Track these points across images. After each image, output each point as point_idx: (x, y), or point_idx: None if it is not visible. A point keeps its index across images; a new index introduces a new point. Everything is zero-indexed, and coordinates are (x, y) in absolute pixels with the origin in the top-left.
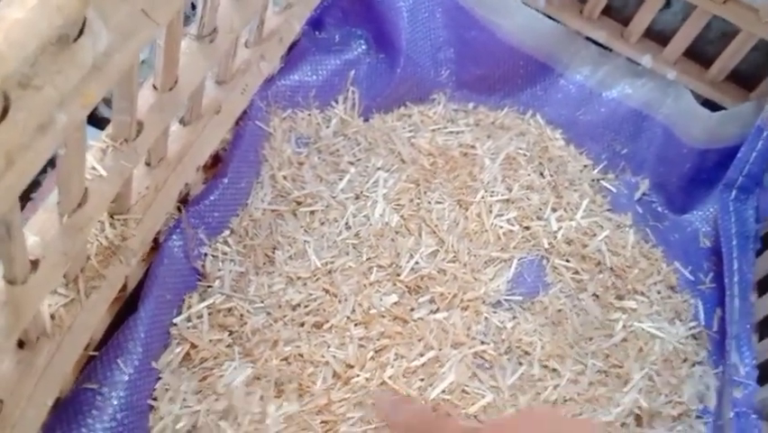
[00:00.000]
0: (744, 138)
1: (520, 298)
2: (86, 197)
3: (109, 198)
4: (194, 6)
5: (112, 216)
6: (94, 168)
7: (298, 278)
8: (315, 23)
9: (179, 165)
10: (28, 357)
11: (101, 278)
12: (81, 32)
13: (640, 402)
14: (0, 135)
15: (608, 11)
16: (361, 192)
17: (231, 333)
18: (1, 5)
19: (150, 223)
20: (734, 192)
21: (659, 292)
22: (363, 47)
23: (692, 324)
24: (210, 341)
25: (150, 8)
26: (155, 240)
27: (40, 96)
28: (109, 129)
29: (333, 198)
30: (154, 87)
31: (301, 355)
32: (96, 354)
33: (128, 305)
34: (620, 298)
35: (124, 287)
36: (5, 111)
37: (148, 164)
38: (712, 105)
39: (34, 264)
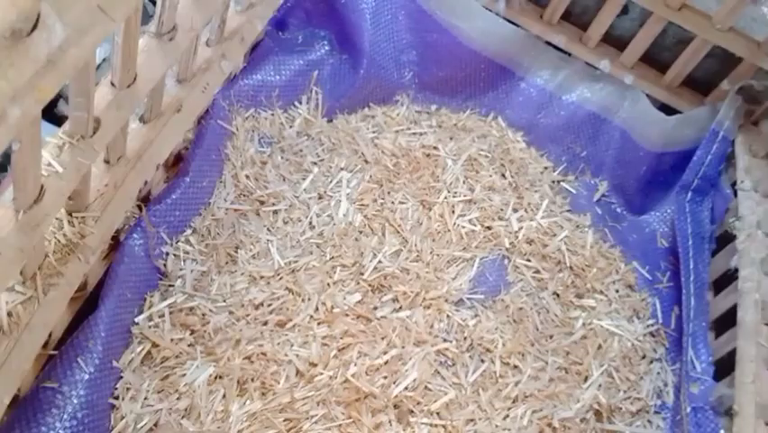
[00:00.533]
0: (699, 141)
1: (482, 296)
2: (42, 193)
3: (66, 194)
4: (153, 3)
5: (70, 214)
6: (50, 164)
7: (261, 277)
8: (279, 24)
9: (139, 163)
10: None
11: (59, 275)
12: (35, 26)
13: (599, 398)
14: None
15: (567, 16)
16: (325, 192)
17: (193, 332)
18: None
19: (109, 221)
20: (689, 194)
21: (617, 291)
22: (327, 48)
23: (650, 322)
24: (172, 340)
25: (106, 5)
26: (115, 238)
27: None
28: (66, 125)
29: (297, 197)
30: (112, 84)
31: (264, 354)
32: (55, 352)
33: (88, 303)
34: (580, 296)
35: (84, 285)
36: None
37: (107, 162)
38: (668, 110)
39: None
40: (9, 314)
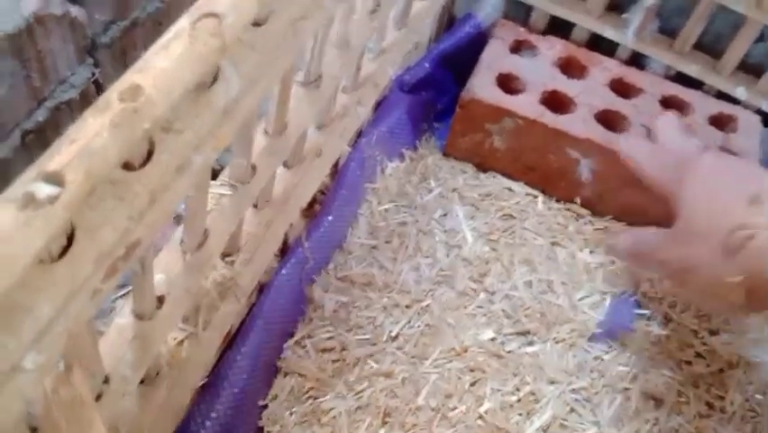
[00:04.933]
0: None
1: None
2: (205, 236)
3: (226, 237)
4: None
5: (224, 256)
6: (213, 209)
7: (396, 306)
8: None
9: (284, 206)
10: (148, 392)
11: (215, 314)
12: (215, 78)
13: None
14: (145, 177)
15: (699, 45)
16: (452, 227)
17: (334, 362)
18: (149, 54)
19: (258, 262)
20: None
21: (756, 320)
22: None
23: None
24: (315, 370)
25: (272, 57)
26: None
27: (180, 139)
28: (226, 172)
29: (422, 231)
30: (265, 132)
31: (403, 386)
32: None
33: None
34: (713, 333)
35: (231, 325)
36: (150, 154)
37: (255, 206)
38: None
39: (160, 300)
40: (170, 352)
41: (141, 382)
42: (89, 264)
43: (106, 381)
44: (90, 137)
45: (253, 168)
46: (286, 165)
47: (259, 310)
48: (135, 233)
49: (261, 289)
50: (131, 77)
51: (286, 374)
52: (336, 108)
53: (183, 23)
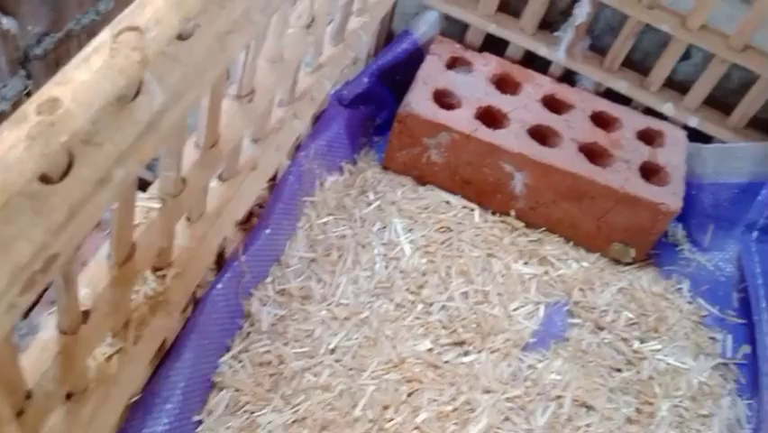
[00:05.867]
0: (754, 175)
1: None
2: (133, 250)
3: (155, 251)
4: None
5: (155, 270)
6: (141, 222)
7: (334, 319)
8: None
9: (218, 220)
10: (75, 409)
11: (145, 329)
12: (138, 92)
13: None
14: (63, 190)
15: (628, 62)
16: (390, 239)
17: (271, 376)
18: (68, 68)
19: (191, 276)
20: (756, 233)
21: (683, 328)
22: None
23: (718, 359)
24: (251, 384)
25: (199, 70)
26: (192, 293)
27: (101, 152)
28: (155, 185)
29: (362, 245)
30: (196, 145)
31: (341, 398)
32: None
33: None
34: (643, 341)
35: (164, 340)
36: (69, 167)
37: (188, 219)
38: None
39: (85, 315)
40: (98, 368)
41: (68, 398)
42: (4, 278)
43: (29, 396)
44: (5, 150)
45: (184, 181)
46: (220, 178)
47: (193, 325)
48: (53, 246)
49: (197, 303)
50: (49, 90)
51: (221, 389)
52: (272, 122)
53: (104, 36)
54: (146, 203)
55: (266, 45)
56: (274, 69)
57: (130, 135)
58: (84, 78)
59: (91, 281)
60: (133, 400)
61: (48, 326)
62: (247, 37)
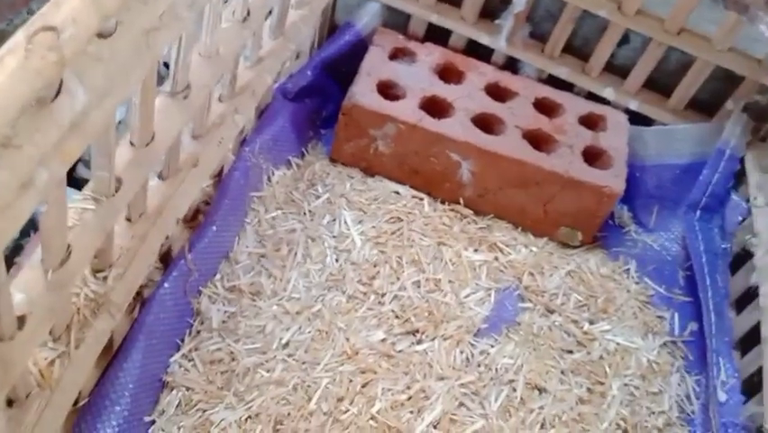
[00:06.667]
0: (696, 156)
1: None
2: (68, 253)
3: (92, 253)
4: (167, 65)
5: (95, 272)
6: (75, 224)
7: (286, 313)
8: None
9: (159, 219)
10: (17, 415)
11: (88, 331)
12: (58, 92)
13: (624, 415)
14: None
15: (568, 48)
16: (341, 231)
17: (223, 373)
18: None
19: (133, 276)
20: (698, 213)
21: (631, 308)
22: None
23: (666, 337)
24: (203, 383)
25: (124, 69)
26: (138, 293)
27: (20, 154)
28: (89, 186)
29: (312, 239)
30: (131, 144)
31: (294, 393)
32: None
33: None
34: (592, 322)
35: (110, 342)
36: None
37: (128, 219)
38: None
39: (21, 320)
40: (41, 373)
41: (9, 404)
42: None
43: None
44: None
45: (119, 180)
46: (160, 176)
47: (141, 325)
48: None
49: (144, 303)
50: None
51: (172, 388)
52: (212, 117)
53: (19, 37)
54: (80, 204)
55: (200, 41)
56: (209, 64)
57: (52, 136)
58: None
59: (26, 286)
60: (82, 403)
61: None
62: (175, 33)
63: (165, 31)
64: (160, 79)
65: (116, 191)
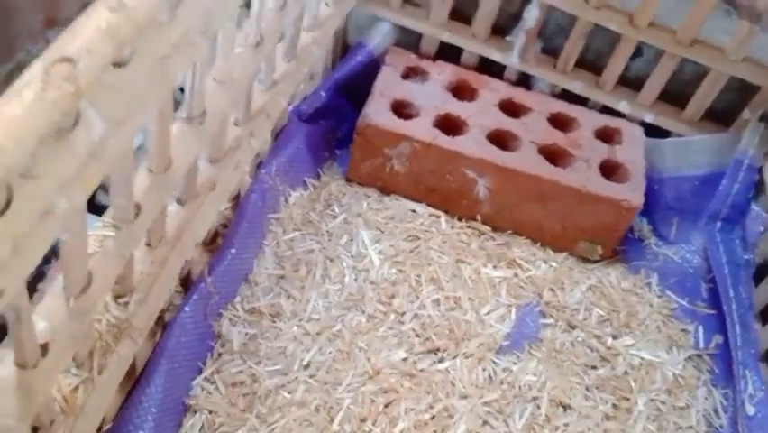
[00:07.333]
0: (715, 167)
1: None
2: (90, 280)
3: (112, 279)
4: (182, 90)
5: (116, 298)
6: (96, 251)
7: (306, 334)
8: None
9: (179, 243)
10: None
11: (110, 357)
12: (76, 122)
13: (651, 431)
14: (4, 225)
15: (581, 63)
16: (359, 251)
17: (245, 396)
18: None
19: (154, 301)
20: (719, 224)
21: (654, 322)
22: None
23: (691, 351)
24: (226, 405)
25: (140, 97)
26: (159, 318)
27: (40, 184)
28: (108, 212)
29: (330, 259)
30: (149, 170)
31: (317, 414)
32: (106, 431)
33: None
34: (615, 337)
35: (133, 367)
36: (8, 202)
37: (148, 245)
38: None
39: (44, 348)
40: (65, 399)
41: (35, 431)
42: None
43: None
44: None
45: (138, 207)
46: (179, 201)
47: (162, 349)
48: None
49: (166, 327)
50: None
51: (195, 412)
52: (228, 141)
53: (35, 69)
54: (100, 231)
55: (215, 66)
56: (224, 89)
57: (70, 166)
58: (15, 112)
59: (48, 314)
60: (105, 429)
61: (6, 361)
62: (189, 60)
63: (179, 57)
64: (176, 104)
65: (136, 217)
